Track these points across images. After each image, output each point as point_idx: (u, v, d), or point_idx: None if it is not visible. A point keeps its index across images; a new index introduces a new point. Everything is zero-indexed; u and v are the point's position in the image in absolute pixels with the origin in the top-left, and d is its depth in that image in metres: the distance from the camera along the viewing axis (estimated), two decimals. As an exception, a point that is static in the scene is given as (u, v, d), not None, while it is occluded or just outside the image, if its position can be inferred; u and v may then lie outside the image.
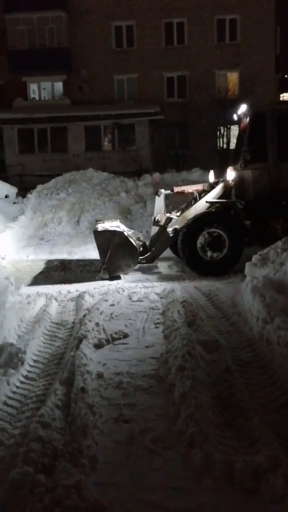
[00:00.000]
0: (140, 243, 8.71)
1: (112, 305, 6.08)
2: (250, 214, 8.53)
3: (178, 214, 8.96)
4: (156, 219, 8.91)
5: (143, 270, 8.49)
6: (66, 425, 3.14)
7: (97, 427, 3.11)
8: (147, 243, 8.83)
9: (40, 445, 2.79)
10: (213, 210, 8.57)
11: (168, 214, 9.03)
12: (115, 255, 8.00)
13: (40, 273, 8.65)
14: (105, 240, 8.06)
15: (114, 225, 8.35)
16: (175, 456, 2.81)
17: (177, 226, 8.45)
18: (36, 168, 21.87)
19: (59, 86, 25.10)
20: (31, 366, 4.27)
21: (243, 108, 9.02)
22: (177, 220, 8.68)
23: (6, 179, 17.54)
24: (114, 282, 7.64)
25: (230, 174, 8.63)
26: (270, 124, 8.50)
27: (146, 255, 8.54)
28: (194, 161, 19.21)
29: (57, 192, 14.45)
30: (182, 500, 2.42)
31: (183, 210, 8.96)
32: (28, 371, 4.15)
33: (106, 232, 8.15)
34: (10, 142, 23.30)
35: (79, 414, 3.19)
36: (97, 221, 8.97)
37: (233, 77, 24.16)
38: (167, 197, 9.41)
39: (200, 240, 8.18)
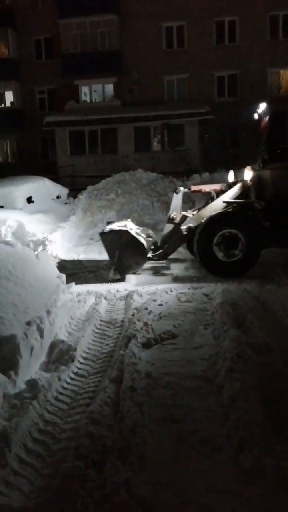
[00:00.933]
0: (151, 239, 8.61)
1: (160, 305, 6.09)
2: (269, 215, 8.26)
3: (195, 213, 8.80)
4: (171, 217, 8.81)
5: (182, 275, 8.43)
6: (115, 422, 3.18)
7: (146, 426, 3.12)
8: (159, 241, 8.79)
9: (90, 441, 2.84)
10: (230, 210, 8.34)
11: (183, 212, 8.92)
12: (123, 255, 7.92)
13: (90, 272, 8.79)
14: (111, 240, 8.03)
15: (121, 225, 8.31)
16: (224, 458, 2.78)
17: (191, 225, 8.31)
18: (87, 169, 22.28)
19: (109, 88, 25.43)
20: (81, 363, 4.35)
21: (262, 106, 8.81)
22: (192, 218, 8.51)
23: (57, 180, 17.96)
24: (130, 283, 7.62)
25: (248, 174, 8.54)
26: None
27: (158, 252, 8.42)
28: (245, 160, 18.89)
29: (106, 192, 14.65)
30: (232, 504, 2.39)
31: (199, 210, 8.77)
32: (78, 368, 4.23)
33: (111, 232, 8.13)
34: (62, 144, 23.85)
35: (128, 412, 3.23)
36: (107, 222, 9.02)
37: (286, 75, 23.57)
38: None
39: (216, 240, 8.00)
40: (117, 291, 7.05)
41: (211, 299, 6.26)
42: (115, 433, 3.02)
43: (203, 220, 8.21)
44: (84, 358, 4.47)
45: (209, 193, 9.21)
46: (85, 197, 14.83)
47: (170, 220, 8.80)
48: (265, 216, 8.25)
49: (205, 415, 3.30)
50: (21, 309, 4.58)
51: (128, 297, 6.51)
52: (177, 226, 8.57)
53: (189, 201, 11.96)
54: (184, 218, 8.69)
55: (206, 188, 9.43)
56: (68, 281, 6.70)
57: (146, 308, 5.78)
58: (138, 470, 2.66)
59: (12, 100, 26.22)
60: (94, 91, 25.78)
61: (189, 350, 4.53)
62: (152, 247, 8.54)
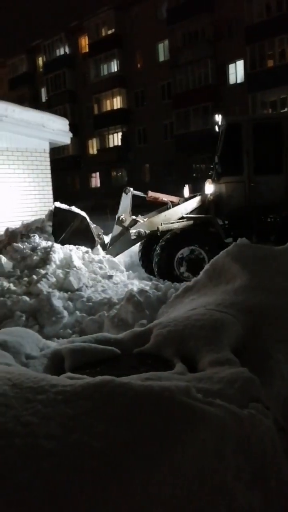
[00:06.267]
0: (100, 241, 7.93)
1: None
2: (227, 230, 8.16)
3: (145, 219, 8.49)
4: (120, 218, 8.35)
5: None
6: None
7: None
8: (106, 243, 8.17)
9: None
10: (191, 226, 8.16)
11: (133, 217, 8.49)
12: (70, 240, 7.30)
13: None
14: (64, 220, 7.44)
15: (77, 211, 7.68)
16: None
17: (141, 230, 8.08)
18: None
19: None
20: None
21: (217, 118, 8.51)
22: (143, 223, 8.22)
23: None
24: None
25: (209, 188, 8.34)
26: (245, 135, 8.10)
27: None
28: None
29: None
30: None
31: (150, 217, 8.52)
32: None
33: (68, 212, 7.56)
34: None
35: None
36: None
37: None
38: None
39: (178, 258, 7.85)
40: None
41: None
42: None
43: (159, 232, 7.99)
44: None
45: (165, 203, 8.91)
46: None
47: (119, 222, 8.19)
48: (225, 231, 8.15)
49: None
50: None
51: None
52: (126, 229, 8.07)
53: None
54: (134, 222, 8.16)
55: (164, 197, 9.10)
56: None
57: None
58: None
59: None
60: None
61: None
62: (98, 246, 8.02)
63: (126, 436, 1.75)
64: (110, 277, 7.40)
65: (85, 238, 7.77)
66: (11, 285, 6.94)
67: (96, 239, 8.12)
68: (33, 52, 49.73)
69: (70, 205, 8.09)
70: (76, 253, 7.58)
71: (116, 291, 6.95)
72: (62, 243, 7.64)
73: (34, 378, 2.09)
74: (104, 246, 8.41)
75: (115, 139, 41.28)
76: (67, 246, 7.82)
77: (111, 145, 41.61)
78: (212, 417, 1.89)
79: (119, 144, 40.73)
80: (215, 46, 32.47)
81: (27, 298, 6.55)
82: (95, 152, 43.37)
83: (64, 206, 8.22)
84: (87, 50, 42.86)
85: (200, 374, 2.97)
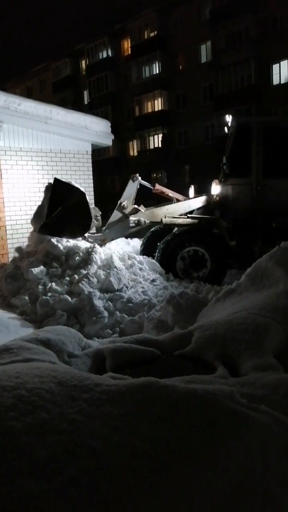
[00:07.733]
0: (96, 222, 7.85)
1: None
2: (232, 233, 8.06)
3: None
4: (122, 204, 8.08)
5: None
6: None
7: None
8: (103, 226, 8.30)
9: None
10: (196, 225, 7.99)
11: (135, 206, 8.27)
12: (65, 215, 7.18)
13: None
14: (62, 193, 7.26)
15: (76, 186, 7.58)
16: None
17: (142, 219, 7.99)
18: None
19: None
20: None
21: (227, 119, 8.41)
22: (144, 213, 8.13)
23: None
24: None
25: (215, 188, 8.18)
26: (255, 137, 7.94)
27: (96, 235, 7.95)
28: None
29: None
30: None
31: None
32: None
33: (68, 185, 7.38)
34: None
35: None
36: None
37: None
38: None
39: (180, 260, 7.81)
40: None
41: None
42: None
43: (162, 225, 7.99)
44: None
45: (171, 199, 8.89)
46: None
47: (120, 207, 8.06)
48: (230, 234, 7.99)
49: None
50: None
51: None
52: (125, 216, 8.03)
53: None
54: (135, 210, 8.08)
55: (170, 193, 9.02)
56: None
57: None
58: None
59: None
60: None
61: None
62: (94, 230, 8.02)
63: (170, 437, 1.75)
64: (153, 281, 7.44)
65: (81, 215, 7.41)
66: (53, 284, 7.09)
67: (93, 220, 7.81)
68: (76, 56, 50.63)
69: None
70: (117, 254, 7.67)
71: (156, 293, 6.98)
72: (58, 217, 7.31)
73: (78, 376, 2.13)
74: (99, 229, 8.30)
75: (156, 140, 41.43)
76: (108, 246, 7.91)
77: (151, 146, 41.81)
78: (257, 423, 1.87)
79: (160, 146, 40.85)
80: (258, 46, 32.04)
81: (68, 298, 6.68)
82: (135, 153, 43.68)
83: (63, 179, 7.94)
84: (129, 53, 43.26)
85: (243, 378, 2.94)
